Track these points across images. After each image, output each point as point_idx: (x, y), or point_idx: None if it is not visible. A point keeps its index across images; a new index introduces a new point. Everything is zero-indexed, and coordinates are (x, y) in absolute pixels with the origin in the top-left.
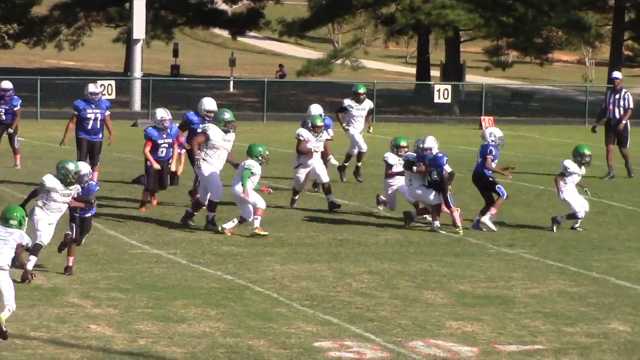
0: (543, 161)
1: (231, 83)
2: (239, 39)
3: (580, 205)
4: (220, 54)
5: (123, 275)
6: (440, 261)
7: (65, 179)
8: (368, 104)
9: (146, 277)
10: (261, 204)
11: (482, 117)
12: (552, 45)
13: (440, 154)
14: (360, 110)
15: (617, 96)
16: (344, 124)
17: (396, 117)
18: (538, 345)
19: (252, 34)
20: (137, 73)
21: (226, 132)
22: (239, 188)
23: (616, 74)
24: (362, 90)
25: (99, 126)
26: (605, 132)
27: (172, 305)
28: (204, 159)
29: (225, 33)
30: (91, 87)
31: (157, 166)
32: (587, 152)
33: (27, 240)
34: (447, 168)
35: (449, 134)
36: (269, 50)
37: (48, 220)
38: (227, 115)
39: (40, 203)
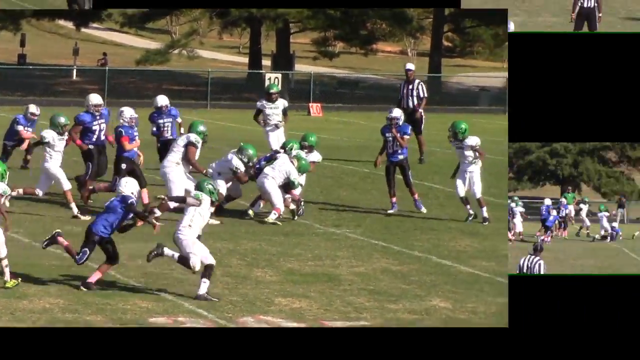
0: (368, 145)
1: (74, 71)
2: (83, 30)
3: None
4: (65, 44)
5: None
6: (269, 240)
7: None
8: (281, 102)
9: None
10: None
11: (310, 104)
12: (376, 36)
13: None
14: (273, 109)
15: (410, 87)
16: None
17: (229, 103)
18: (363, 322)
19: (95, 25)
20: None
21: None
22: None
23: (409, 66)
24: (274, 90)
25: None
26: None
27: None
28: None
29: (70, 24)
30: (32, 108)
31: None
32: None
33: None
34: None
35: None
36: (110, 40)
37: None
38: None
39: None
